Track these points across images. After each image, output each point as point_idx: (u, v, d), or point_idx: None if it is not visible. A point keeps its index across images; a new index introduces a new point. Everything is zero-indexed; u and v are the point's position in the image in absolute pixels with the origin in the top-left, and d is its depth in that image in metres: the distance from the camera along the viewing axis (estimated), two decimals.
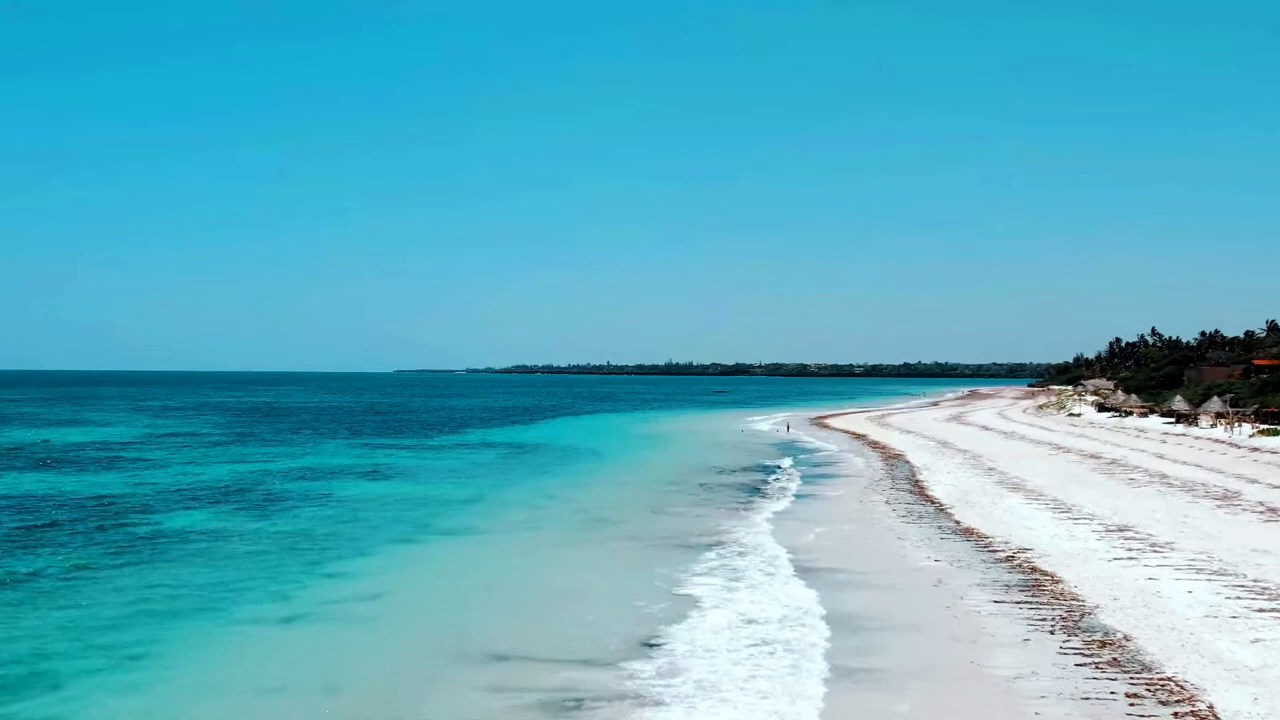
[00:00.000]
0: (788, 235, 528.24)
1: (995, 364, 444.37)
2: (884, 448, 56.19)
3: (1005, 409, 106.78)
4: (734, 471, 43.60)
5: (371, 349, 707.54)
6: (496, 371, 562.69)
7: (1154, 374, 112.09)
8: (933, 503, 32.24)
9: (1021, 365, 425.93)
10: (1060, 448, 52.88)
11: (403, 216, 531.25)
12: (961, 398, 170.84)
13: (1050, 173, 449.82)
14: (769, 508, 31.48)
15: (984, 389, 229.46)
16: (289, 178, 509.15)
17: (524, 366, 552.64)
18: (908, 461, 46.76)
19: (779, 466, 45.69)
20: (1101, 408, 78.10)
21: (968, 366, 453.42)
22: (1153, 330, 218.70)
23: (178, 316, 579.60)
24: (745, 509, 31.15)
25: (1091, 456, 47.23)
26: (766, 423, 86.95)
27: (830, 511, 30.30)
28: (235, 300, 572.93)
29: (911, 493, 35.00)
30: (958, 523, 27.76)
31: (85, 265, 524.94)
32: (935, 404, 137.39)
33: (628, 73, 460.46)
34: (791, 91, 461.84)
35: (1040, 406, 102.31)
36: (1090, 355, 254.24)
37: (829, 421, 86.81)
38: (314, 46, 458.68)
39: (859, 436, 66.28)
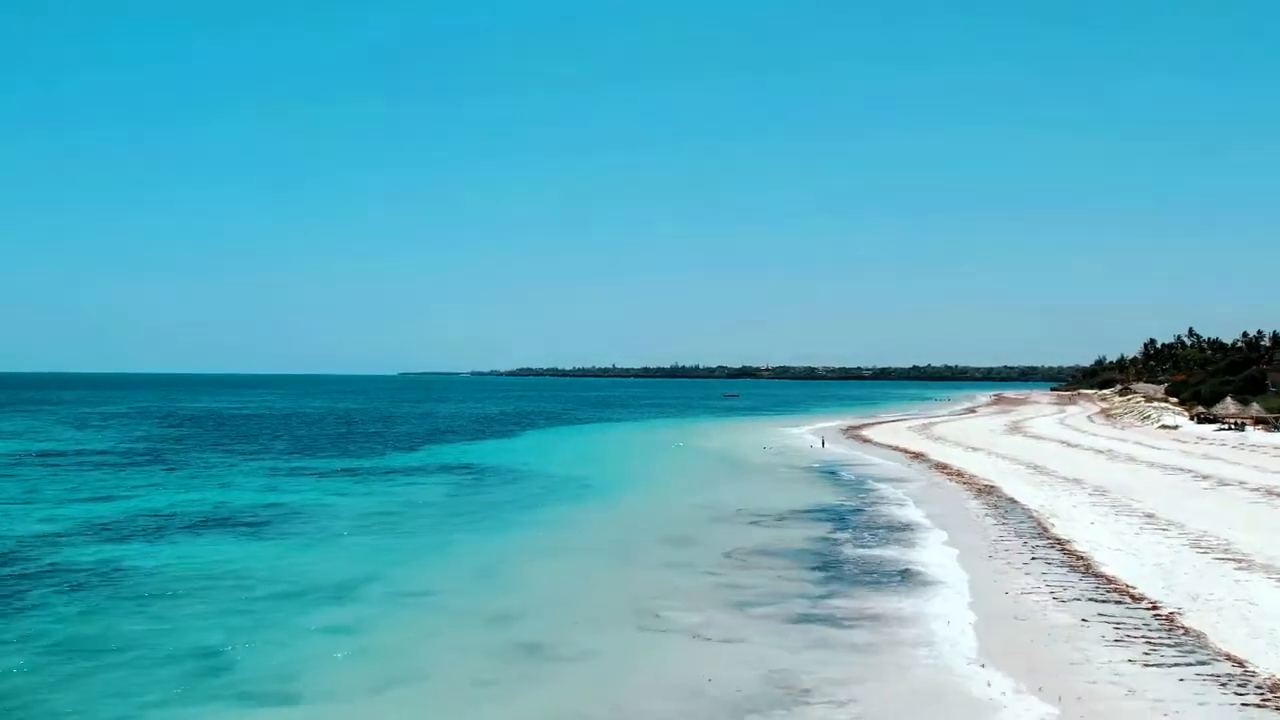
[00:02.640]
0: (790, 235, 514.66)
1: (1006, 367, 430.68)
2: (961, 474, 42.82)
3: (1064, 418, 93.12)
4: (774, 520, 30.26)
5: (377, 351, 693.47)
6: (501, 374, 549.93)
7: (1230, 378, 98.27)
8: (1129, 595, 19.08)
9: (1033, 368, 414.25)
10: (1204, 476, 39.41)
11: (404, 218, 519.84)
12: (993, 403, 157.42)
13: (1061, 173, 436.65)
14: (862, 609, 18.19)
15: (1009, 393, 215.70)
16: (293, 179, 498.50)
17: (528, 369, 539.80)
18: (1013, 499, 33.46)
19: (838, 511, 32.26)
20: (1203, 418, 64.75)
21: (978, 370, 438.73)
22: (1190, 331, 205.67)
23: (190, 320, 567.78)
24: (818, 619, 17.73)
25: (1270, 492, 33.84)
26: (794, 434, 73.45)
27: (986, 627, 16.84)
28: (239, 302, 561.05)
29: (1071, 568, 21.79)
30: (1240, 665, 14.46)
31: (101, 266, 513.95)
32: (972, 410, 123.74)
33: (633, 70, 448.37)
34: (786, 87, 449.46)
35: (1109, 415, 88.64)
36: (1102, 357, 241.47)
37: (867, 433, 73.33)
38: (315, 43, 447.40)
39: (917, 455, 52.84)
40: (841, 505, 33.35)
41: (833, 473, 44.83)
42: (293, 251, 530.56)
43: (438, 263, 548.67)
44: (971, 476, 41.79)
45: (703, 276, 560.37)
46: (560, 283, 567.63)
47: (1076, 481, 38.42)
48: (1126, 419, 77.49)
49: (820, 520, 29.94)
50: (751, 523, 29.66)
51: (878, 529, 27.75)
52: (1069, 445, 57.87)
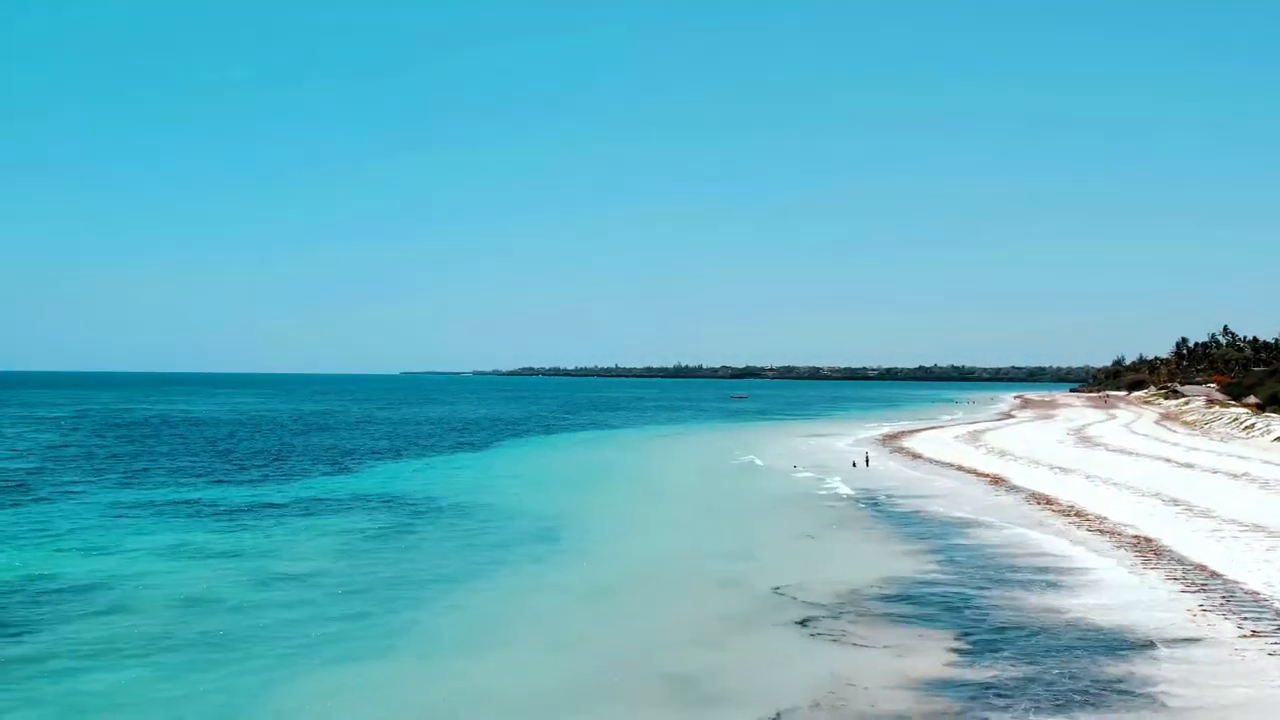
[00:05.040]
0: (792, 236, 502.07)
1: (1014, 367, 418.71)
2: (1080, 513, 30.93)
3: (1128, 424, 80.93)
4: (840, 618, 18.33)
5: (380, 350, 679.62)
6: (503, 374, 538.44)
7: None
8: None
9: (1041, 369, 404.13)
10: None
11: (410, 219, 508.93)
12: (1023, 406, 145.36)
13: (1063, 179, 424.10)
14: None
15: (1030, 394, 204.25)
16: (298, 184, 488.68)
17: (530, 369, 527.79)
18: (1220, 576, 21.50)
19: (949, 597, 20.15)
20: None
21: (985, 370, 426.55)
22: (1224, 329, 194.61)
23: (195, 319, 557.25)
24: None
25: None
26: (824, 445, 61.23)
27: None
28: (240, 301, 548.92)
29: None
30: None
31: (111, 266, 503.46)
32: (1009, 415, 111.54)
33: (640, 73, 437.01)
34: (794, 88, 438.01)
35: (1183, 421, 76.47)
36: (1121, 357, 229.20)
37: (911, 444, 61.32)
38: (315, 42, 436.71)
39: (997, 480, 40.83)
40: (948, 582, 21.26)
41: (899, 509, 32.84)
42: (296, 250, 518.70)
43: (440, 261, 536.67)
44: (1099, 518, 29.84)
45: (705, 276, 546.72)
46: (563, 282, 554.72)
47: (1260, 529, 26.42)
48: (1217, 427, 65.40)
49: (926, 620, 17.93)
50: (802, 626, 17.71)
51: (1088, 671, 15.41)
52: (1178, 464, 45.66)
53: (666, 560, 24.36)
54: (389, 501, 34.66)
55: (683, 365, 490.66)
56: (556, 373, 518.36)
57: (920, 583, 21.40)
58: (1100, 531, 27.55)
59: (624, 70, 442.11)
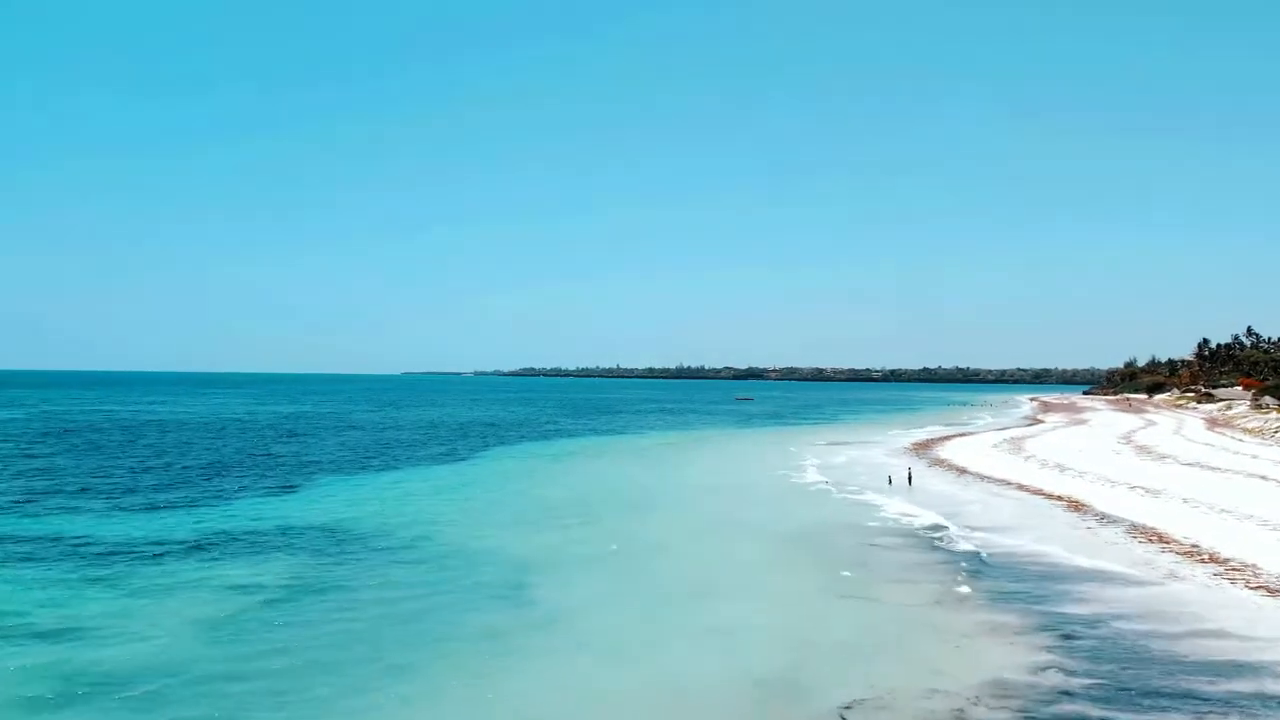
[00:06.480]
0: (793, 235, 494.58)
1: (1019, 369, 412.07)
2: (1219, 559, 23.96)
3: (1176, 428, 73.53)
4: None
5: (383, 351, 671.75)
6: (504, 374, 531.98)
7: None
8: None
9: (1047, 370, 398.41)
10: None
11: (413, 220, 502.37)
12: (1043, 409, 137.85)
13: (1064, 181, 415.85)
14: None
15: (1045, 397, 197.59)
16: (302, 185, 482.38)
17: (531, 369, 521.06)
18: None
19: None
20: None
21: (990, 372, 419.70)
22: (1248, 330, 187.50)
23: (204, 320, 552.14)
24: None
25: None
26: (851, 456, 53.86)
27: None
28: (242, 301, 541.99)
29: None
30: None
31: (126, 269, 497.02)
32: (1036, 420, 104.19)
33: (639, 82, 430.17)
34: (794, 92, 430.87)
35: (1248, 429, 69.01)
36: (1132, 359, 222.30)
37: (947, 454, 54.03)
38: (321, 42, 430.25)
39: (1077, 505, 33.50)
40: (1093, 693, 13.83)
41: (974, 549, 25.44)
42: (300, 250, 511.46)
43: (440, 261, 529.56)
44: (1247, 565, 22.69)
45: (708, 276, 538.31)
46: (565, 282, 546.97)
47: None
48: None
49: None
50: None
51: None
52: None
53: (677, 644, 17.02)
54: (322, 538, 27.33)
55: (685, 366, 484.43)
56: (558, 373, 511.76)
57: (1049, 693, 14.17)
58: (1266, 590, 20.28)
59: (616, 66, 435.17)
